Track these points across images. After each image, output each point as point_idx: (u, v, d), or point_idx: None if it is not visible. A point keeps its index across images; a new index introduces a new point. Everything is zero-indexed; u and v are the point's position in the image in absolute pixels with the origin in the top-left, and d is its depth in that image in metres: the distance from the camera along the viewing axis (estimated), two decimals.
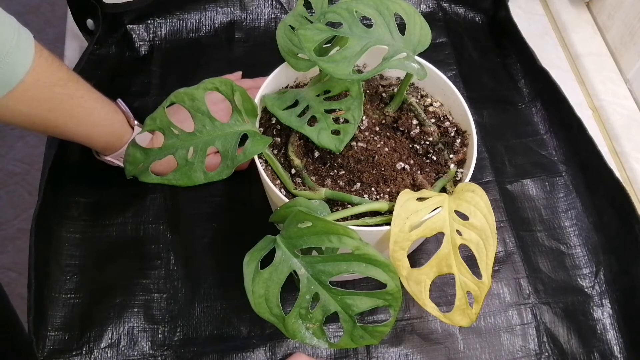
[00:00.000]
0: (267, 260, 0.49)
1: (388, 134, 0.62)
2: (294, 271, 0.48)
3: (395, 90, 0.65)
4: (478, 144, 0.60)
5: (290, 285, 0.49)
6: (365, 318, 0.65)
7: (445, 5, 0.92)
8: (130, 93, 0.80)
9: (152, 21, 0.85)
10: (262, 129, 0.62)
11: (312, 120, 0.58)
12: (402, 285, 0.49)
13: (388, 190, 0.57)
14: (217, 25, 0.88)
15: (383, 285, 0.48)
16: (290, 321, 0.48)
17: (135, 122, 0.67)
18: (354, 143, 0.60)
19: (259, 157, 0.57)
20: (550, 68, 0.81)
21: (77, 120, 0.60)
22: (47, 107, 0.56)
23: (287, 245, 0.49)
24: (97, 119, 0.62)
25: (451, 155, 0.61)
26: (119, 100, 0.67)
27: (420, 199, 0.53)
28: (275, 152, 0.60)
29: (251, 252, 0.49)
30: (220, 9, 0.88)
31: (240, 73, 0.80)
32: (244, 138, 0.56)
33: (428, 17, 0.85)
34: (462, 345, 0.65)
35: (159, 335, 0.63)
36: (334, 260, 0.48)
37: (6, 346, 0.76)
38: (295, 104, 0.60)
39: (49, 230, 0.67)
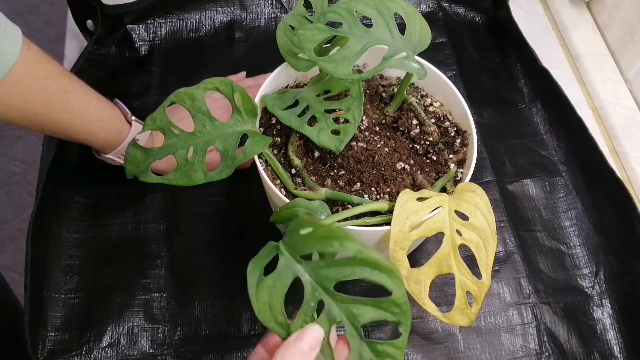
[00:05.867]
0: (270, 267, 0.48)
1: (388, 134, 0.62)
2: (298, 278, 0.48)
3: (395, 90, 0.65)
4: (478, 144, 0.60)
5: (296, 295, 0.48)
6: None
7: (445, 5, 0.92)
8: (130, 93, 0.80)
9: (152, 21, 0.85)
10: (262, 129, 0.62)
11: (312, 120, 0.58)
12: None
13: (388, 190, 0.57)
14: (217, 25, 0.88)
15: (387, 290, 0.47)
16: (295, 330, 0.47)
17: (133, 117, 0.66)
18: (354, 143, 0.60)
19: (259, 157, 0.57)
20: (550, 68, 0.81)
21: (73, 115, 0.59)
22: (39, 100, 0.55)
23: (289, 251, 0.48)
24: (93, 113, 0.61)
25: (451, 155, 0.61)
26: (116, 100, 0.67)
27: (420, 199, 0.53)
28: (275, 152, 0.60)
29: (255, 260, 0.48)
30: (220, 9, 0.88)
31: (244, 73, 0.80)
32: (244, 138, 0.56)
33: (428, 17, 0.85)
34: (463, 345, 0.65)
35: (159, 335, 0.63)
36: (338, 265, 0.47)
37: (10, 345, 0.75)
38: (295, 104, 0.60)
39: (48, 230, 0.67)
